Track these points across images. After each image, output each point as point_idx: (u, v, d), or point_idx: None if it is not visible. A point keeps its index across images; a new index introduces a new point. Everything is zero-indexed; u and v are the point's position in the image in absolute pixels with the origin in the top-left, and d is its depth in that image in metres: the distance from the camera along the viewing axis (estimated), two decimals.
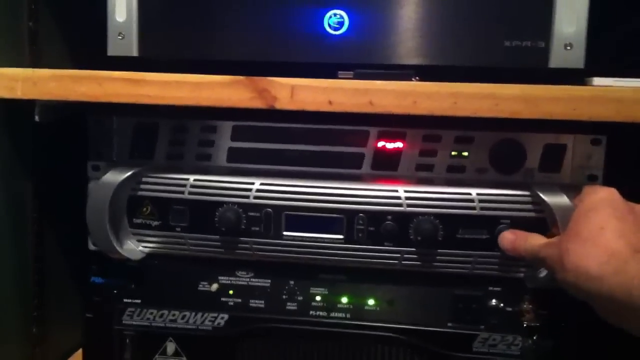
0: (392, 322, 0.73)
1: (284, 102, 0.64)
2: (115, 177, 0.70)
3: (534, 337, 0.69)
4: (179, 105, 0.65)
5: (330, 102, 0.63)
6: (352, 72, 0.66)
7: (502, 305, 0.71)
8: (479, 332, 0.71)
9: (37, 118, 0.70)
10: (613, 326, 0.57)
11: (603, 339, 0.70)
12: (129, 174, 0.70)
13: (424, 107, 0.62)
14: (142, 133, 0.74)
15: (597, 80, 0.65)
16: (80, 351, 0.85)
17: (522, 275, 0.69)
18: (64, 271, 0.84)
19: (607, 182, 0.67)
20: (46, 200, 0.79)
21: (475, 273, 0.69)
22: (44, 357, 0.81)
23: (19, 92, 0.65)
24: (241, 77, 0.64)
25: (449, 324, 0.72)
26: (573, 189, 0.66)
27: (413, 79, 0.66)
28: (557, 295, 0.68)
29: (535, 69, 0.66)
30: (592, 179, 0.68)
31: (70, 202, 0.78)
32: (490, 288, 0.71)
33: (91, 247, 0.74)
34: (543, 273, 0.67)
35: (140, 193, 0.72)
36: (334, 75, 0.67)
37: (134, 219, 0.73)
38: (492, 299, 0.71)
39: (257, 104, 0.64)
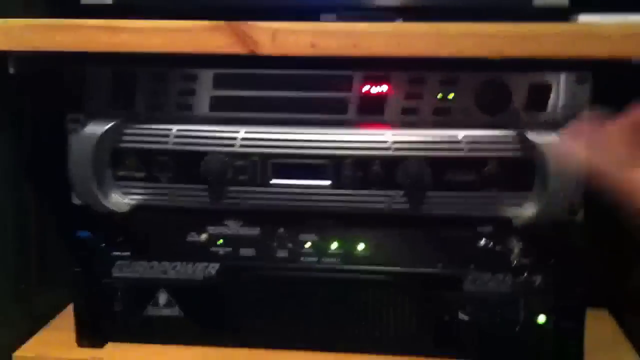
0: (382, 265, 0.73)
1: (266, 47, 0.62)
2: (96, 129, 0.69)
3: (524, 274, 0.70)
4: (157, 53, 0.64)
5: (313, 46, 0.62)
6: (334, 15, 0.65)
7: (491, 244, 0.71)
8: (469, 272, 0.72)
9: (11, 70, 0.68)
10: None
11: (591, 273, 0.72)
12: (110, 125, 0.69)
13: (408, 49, 0.61)
14: (121, 83, 0.72)
15: (583, 18, 0.64)
16: (70, 307, 0.85)
17: (509, 214, 0.69)
18: (48, 226, 0.83)
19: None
20: (26, 155, 0.77)
21: (464, 214, 0.70)
22: (32, 314, 0.81)
23: None
24: (221, 22, 0.62)
25: (439, 265, 0.72)
26: (559, 128, 0.66)
27: (397, 21, 0.64)
28: (545, 232, 0.69)
29: (520, 7, 0.65)
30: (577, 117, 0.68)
31: (50, 156, 0.77)
32: (479, 228, 0.71)
33: (75, 201, 0.73)
34: (530, 211, 0.67)
35: (122, 145, 0.71)
36: (316, 19, 0.65)
37: (118, 171, 0.72)
38: (481, 239, 0.71)
39: (238, 49, 0.63)
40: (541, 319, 0.72)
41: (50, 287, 0.85)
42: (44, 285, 0.83)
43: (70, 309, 0.86)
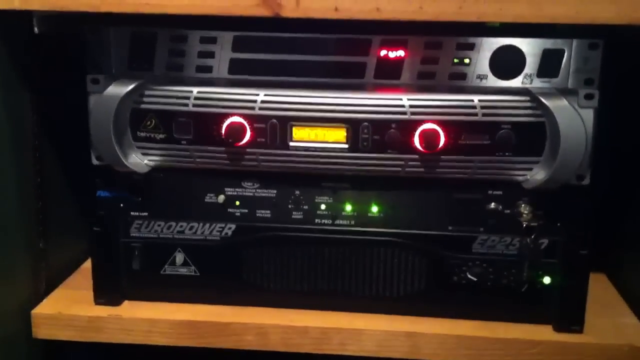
0: (394, 227, 0.75)
1: (290, 10, 0.63)
2: (118, 90, 0.70)
3: (532, 237, 0.72)
4: (180, 15, 0.65)
5: (336, 9, 0.63)
6: None
7: (500, 207, 0.73)
8: (478, 234, 0.74)
9: (36, 30, 0.68)
10: None
11: (598, 236, 0.74)
12: (132, 86, 0.70)
13: (430, 12, 0.62)
14: (141, 44, 0.73)
15: None
16: (86, 264, 0.87)
17: (520, 178, 0.71)
18: (66, 186, 0.85)
19: (602, 86, 0.69)
20: (46, 116, 0.78)
21: (475, 178, 0.72)
22: (51, 271, 0.83)
23: (17, 3, 0.64)
24: None
25: (450, 227, 0.74)
26: (570, 93, 0.68)
27: None
28: (553, 197, 0.71)
29: None
30: (588, 83, 0.69)
31: (70, 117, 0.77)
32: (490, 191, 0.73)
33: (95, 161, 0.74)
34: (540, 175, 0.69)
35: (143, 106, 0.72)
36: None
37: (138, 132, 0.73)
38: (491, 202, 0.73)
39: (262, 11, 0.64)
40: (546, 280, 0.74)
41: (67, 246, 0.86)
42: (60, 244, 0.84)
43: (84, 267, 0.88)
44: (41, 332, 0.78)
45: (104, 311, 0.78)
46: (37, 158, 0.78)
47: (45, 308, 0.79)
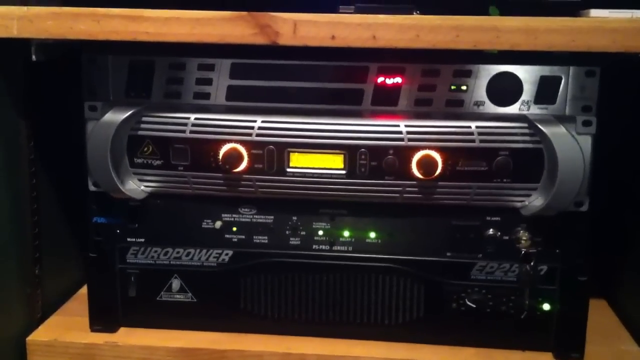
0: (392, 253, 0.75)
1: (287, 38, 0.63)
2: (115, 116, 0.70)
3: (530, 263, 0.72)
4: (178, 43, 0.65)
5: (333, 37, 0.63)
6: (353, 7, 0.66)
7: (499, 234, 0.73)
8: (477, 261, 0.74)
9: (33, 57, 0.68)
10: None
11: (598, 262, 0.74)
12: (129, 113, 0.70)
13: (426, 41, 0.62)
14: (139, 71, 0.73)
15: (594, 12, 0.66)
16: (82, 290, 0.87)
17: (518, 204, 0.71)
18: (62, 213, 0.84)
19: (600, 114, 0.69)
20: (42, 142, 0.78)
21: (473, 204, 0.72)
22: (47, 298, 0.82)
23: (15, 31, 0.64)
24: (243, 13, 0.63)
25: (448, 254, 0.74)
26: (568, 120, 0.68)
27: (414, 13, 0.66)
28: (551, 223, 0.71)
29: (533, 1, 0.67)
30: (586, 110, 0.69)
31: (66, 144, 0.77)
32: (488, 218, 0.73)
33: (91, 187, 0.74)
34: (538, 202, 0.69)
35: (140, 132, 0.72)
36: (334, 10, 0.66)
37: (135, 159, 0.73)
38: (489, 229, 0.73)
39: (260, 40, 0.64)
40: (546, 307, 0.74)
41: (63, 272, 0.85)
42: (56, 270, 0.84)
43: (80, 294, 0.87)
44: (36, 359, 0.77)
45: (99, 338, 0.77)
46: (33, 184, 0.78)
47: (40, 335, 0.78)
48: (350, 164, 0.71)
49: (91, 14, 0.64)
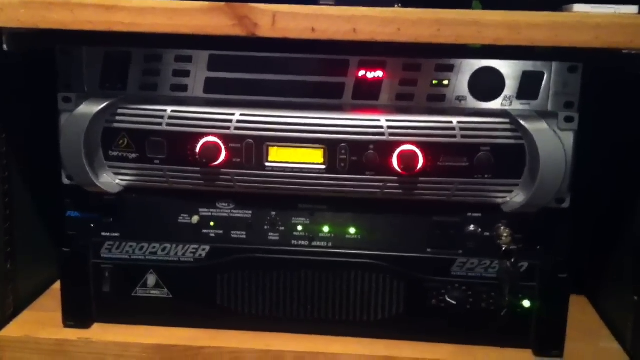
0: (372, 249, 0.74)
1: (266, 30, 0.62)
2: (90, 108, 0.68)
3: (511, 260, 0.71)
4: (154, 34, 0.64)
5: (313, 30, 0.62)
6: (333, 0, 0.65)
7: (479, 230, 0.72)
8: (457, 257, 0.73)
9: (5, 47, 0.66)
10: None
11: (578, 258, 0.74)
12: (104, 105, 0.69)
13: (408, 34, 0.62)
14: (114, 63, 0.71)
15: (577, 7, 0.65)
16: (55, 286, 0.85)
17: (499, 200, 0.71)
18: (34, 207, 0.82)
19: (582, 109, 0.69)
20: (14, 134, 0.76)
21: (454, 200, 0.71)
22: (18, 293, 0.80)
23: None
24: (220, 4, 0.62)
25: (428, 250, 0.73)
26: (550, 116, 0.68)
27: (396, 6, 0.65)
28: (533, 219, 0.70)
29: None
30: (568, 106, 0.69)
31: (40, 136, 0.75)
32: (469, 214, 0.72)
33: (65, 181, 0.73)
34: (519, 198, 0.69)
35: (115, 125, 0.70)
36: (314, 2, 0.65)
37: (110, 152, 0.71)
38: (470, 225, 0.72)
39: (238, 31, 0.62)
40: (526, 304, 0.73)
41: (35, 267, 0.84)
42: (28, 265, 0.82)
43: (53, 289, 0.86)
44: (7, 355, 0.75)
45: (73, 334, 0.75)
46: (5, 177, 0.76)
47: (12, 331, 0.77)
48: (330, 158, 0.69)
49: (65, 3, 0.62)
